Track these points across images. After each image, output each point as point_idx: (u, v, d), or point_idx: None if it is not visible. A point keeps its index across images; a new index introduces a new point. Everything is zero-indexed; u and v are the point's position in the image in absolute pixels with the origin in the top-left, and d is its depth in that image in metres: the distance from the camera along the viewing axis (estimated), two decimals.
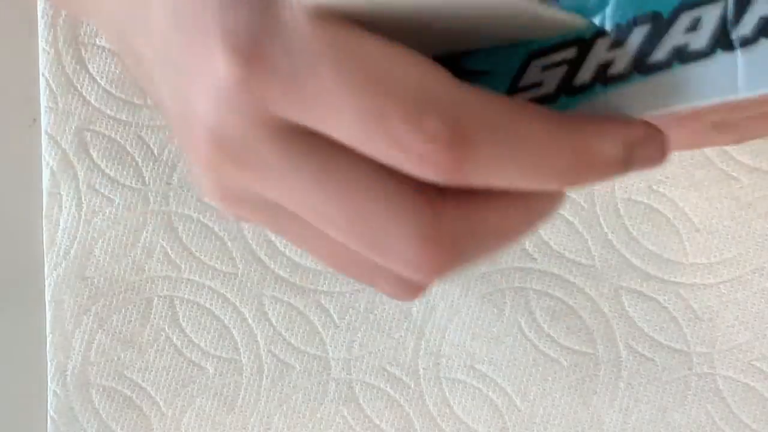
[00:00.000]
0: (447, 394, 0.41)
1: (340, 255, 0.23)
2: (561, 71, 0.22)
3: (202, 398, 0.41)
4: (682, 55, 0.20)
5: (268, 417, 0.41)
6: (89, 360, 0.41)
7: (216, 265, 0.41)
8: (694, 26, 0.20)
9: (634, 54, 0.21)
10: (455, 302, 0.40)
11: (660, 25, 0.21)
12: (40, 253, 0.41)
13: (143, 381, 0.41)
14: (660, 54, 0.20)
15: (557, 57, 0.22)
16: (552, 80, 0.22)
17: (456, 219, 0.21)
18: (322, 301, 0.41)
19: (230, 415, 0.41)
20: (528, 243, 0.40)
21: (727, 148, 0.39)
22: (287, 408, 0.41)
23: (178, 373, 0.41)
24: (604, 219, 0.40)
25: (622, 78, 0.21)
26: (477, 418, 0.41)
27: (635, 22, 0.21)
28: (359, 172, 0.20)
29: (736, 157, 0.39)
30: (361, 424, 0.41)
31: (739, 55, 0.20)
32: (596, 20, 0.21)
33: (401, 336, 0.41)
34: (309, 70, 0.19)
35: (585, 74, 0.21)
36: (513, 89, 0.22)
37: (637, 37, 0.21)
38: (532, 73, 0.22)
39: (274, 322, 0.41)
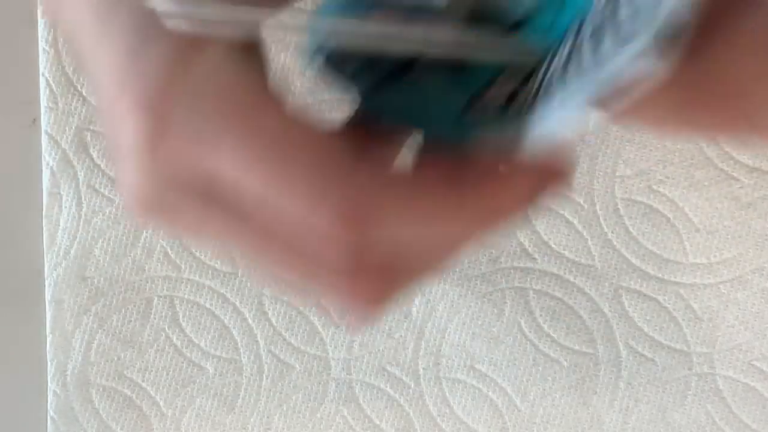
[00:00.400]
0: (447, 394, 0.41)
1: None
2: (511, 85, 0.22)
3: (202, 398, 0.41)
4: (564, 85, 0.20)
5: (268, 417, 0.41)
6: (89, 360, 0.41)
7: (216, 265, 0.41)
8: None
9: (553, 77, 0.21)
10: (455, 302, 0.40)
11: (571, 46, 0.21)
12: (40, 253, 0.41)
13: (143, 381, 0.41)
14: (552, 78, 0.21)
15: (512, 74, 0.22)
16: (506, 89, 0.22)
17: (376, 276, 0.21)
18: (322, 301, 0.41)
19: (230, 415, 0.41)
20: (528, 243, 0.40)
21: (727, 148, 0.39)
22: (287, 408, 0.41)
23: (178, 373, 0.41)
24: (604, 219, 0.40)
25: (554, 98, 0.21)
26: (477, 418, 0.41)
27: (564, 42, 0.21)
28: (267, 237, 0.21)
29: (736, 157, 0.39)
30: (361, 424, 0.41)
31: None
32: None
33: (401, 336, 0.41)
34: (213, 137, 0.19)
35: (523, 96, 0.21)
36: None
37: (563, 53, 0.21)
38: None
39: (274, 322, 0.41)
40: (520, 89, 0.22)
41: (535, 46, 0.22)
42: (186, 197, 0.20)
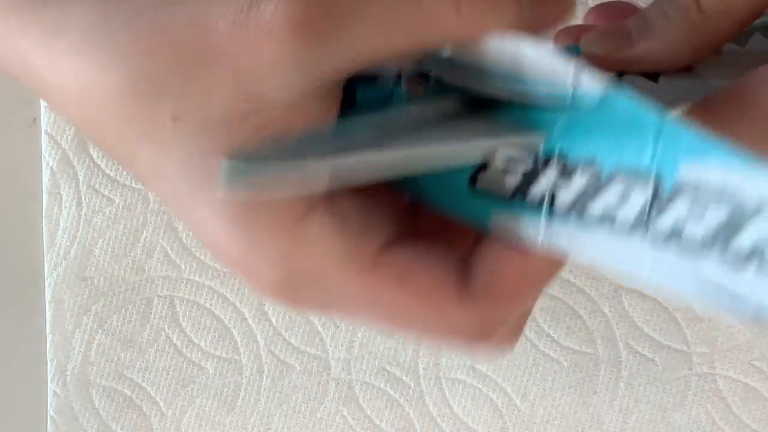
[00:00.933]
0: (447, 394, 0.41)
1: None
2: (520, 173, 0.22)
3: (202, 398, 0.41)
4: (610, 222, 0.20)
5: (268, 417, 0.41)
6: (89, 360, 0.41)
7: (216, 265, 0.41)
8: (624, 197, 0.20)
9: (575, 196, 0.21)
10: None
11: (597, 180, 0.20)
12: (40, 253, 0.41)
13: (143, 381, 0.41)
14: (595, 209, 0.20)
15: (520, 160, 0.22)
16: (513, 178, 0.22)
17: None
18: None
19: (230, 415, 0.41)
20: None
21: None
22: (287, 408, 0.41)
23: (178, 373, 0.41)
24: None
25: (564, 213, 0.21)
26: (477, 418, 0.41)
27: (579, 163, 0.21)
28: None
29: None
30: (361, 424, 0.41)
31: (650, 251, 0.20)
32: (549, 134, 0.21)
33: (401, 336, 0.41)
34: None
35: (537, 189, 0.21)
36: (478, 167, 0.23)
37: (579, 179, 0.21)
38: (500, 159, 0.22)
39: (274, 322, 0.41)
40: (530, 181, 0.21)
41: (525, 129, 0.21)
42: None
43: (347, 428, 0.41)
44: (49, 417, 0.41)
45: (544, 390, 0.41)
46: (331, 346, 0.41)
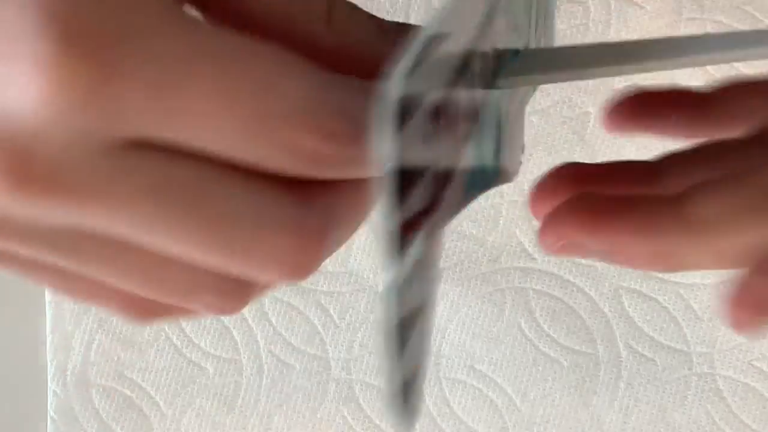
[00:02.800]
0: (447, 394, 0.41)
1: (153, 272, 0.19)
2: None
3: (202, 398, 0.41)
4: None
5: (268, 417, 0.41)
6: (89, 360, 0.41)
7: None
8: None
9: None
10: (455, 302, 0.40)
11: None
12: None
13: (143, 381, 0.41)
14: None
15: None
16: None
17: (323, 209, 0.19)
18: (322, 301, 0.41)
19: (230, 415, 0.41)
20: (528, 243, 0.40)
21: None
22: (287, 408, 0.41)
23: (178, 373, 0.41)
24: None
25: None
26: (477, 418, 0.41)
27: None
28: (214, 178, 0.17)
29: None
30: (361, 424, 0.41)
31: None
32: None
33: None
34: (180, 78, 0.16)
35: None
36: None
37: None
38: None
39: (274, 322, 0.41)
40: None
41: None
42: (102, 161, 0.16)
43: (347, 428, 0.41)
44: (49, 417, 0.41)
45: (544, 390, 0.41)
46: (331, 346, 0.41)
